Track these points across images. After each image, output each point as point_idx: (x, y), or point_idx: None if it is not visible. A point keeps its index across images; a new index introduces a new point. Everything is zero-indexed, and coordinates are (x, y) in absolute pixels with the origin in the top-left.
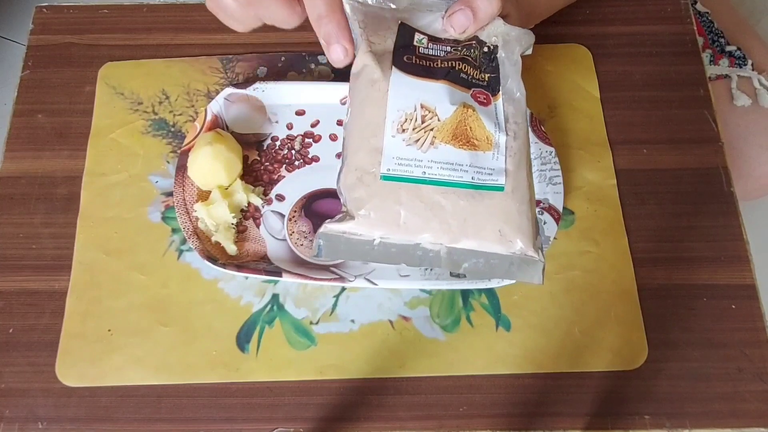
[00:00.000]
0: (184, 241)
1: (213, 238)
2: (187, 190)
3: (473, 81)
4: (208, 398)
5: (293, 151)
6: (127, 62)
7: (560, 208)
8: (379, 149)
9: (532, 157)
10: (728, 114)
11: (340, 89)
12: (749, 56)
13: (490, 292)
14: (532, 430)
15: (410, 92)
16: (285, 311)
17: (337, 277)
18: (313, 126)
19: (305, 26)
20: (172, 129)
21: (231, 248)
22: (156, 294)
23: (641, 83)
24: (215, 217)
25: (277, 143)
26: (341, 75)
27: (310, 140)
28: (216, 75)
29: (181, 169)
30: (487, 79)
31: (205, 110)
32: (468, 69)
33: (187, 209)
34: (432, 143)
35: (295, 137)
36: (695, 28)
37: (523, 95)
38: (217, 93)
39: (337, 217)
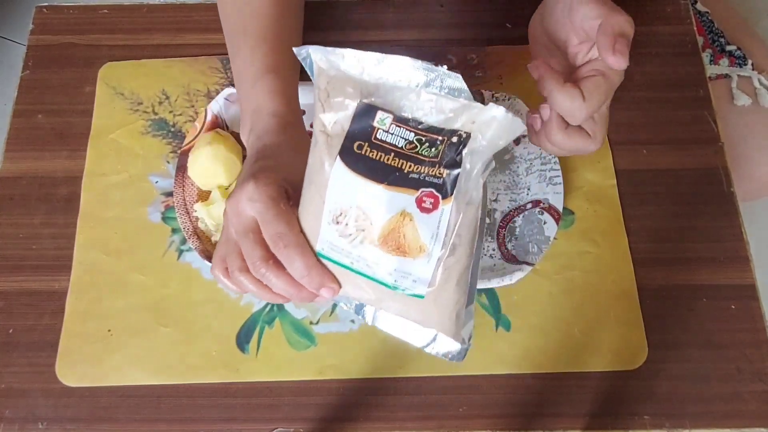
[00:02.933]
0: (184, 241)
1: (213, 238)
2: (187, 190)
3: (425, 179)
4: (208, 398)
5: None
6: (127, 62)
7: (560, 208)
8: (316, 229)
9: (533, 157)
10: (728, 114)
11: None
12: (749, 56)
13: (490, 292)
14: (532, 430)
15: (349, 192)
16: (285, 311)
17: None
18: (312, 126)
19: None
20: (172, 129)
21: None
22: (156, 294)
23: (641, 83)
24: (215, 217)
25: None
26: None
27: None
28: (216, 75)
29: (181, 169)
30: (444, 175)
31: (205, 110)
32: (422, 168)
33: (187, 209)
34: (362, 242)
35: None
36: (695, 28)
37: (478, 200)
38: (217, 93)
39: None
